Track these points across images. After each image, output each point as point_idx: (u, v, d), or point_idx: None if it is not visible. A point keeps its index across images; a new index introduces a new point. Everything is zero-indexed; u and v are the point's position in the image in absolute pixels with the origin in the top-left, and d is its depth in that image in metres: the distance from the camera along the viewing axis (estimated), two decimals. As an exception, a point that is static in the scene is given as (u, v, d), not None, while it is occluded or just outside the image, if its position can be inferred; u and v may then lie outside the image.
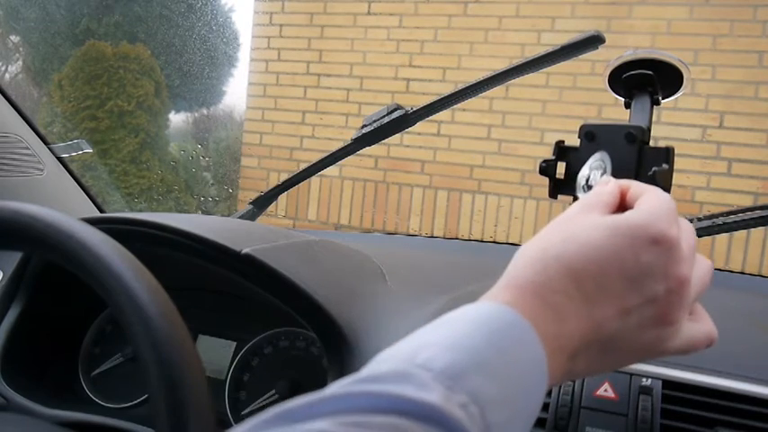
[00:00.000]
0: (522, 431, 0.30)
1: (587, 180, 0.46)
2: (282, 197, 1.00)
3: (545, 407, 0.53)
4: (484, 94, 0.79)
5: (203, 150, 5.28)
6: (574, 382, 0.53)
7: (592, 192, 0.41)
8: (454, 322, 0.31)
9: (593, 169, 0.46)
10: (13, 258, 0.73)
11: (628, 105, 0.52)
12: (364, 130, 0.84)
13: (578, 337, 0.34)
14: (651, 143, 0.47)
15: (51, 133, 4.19)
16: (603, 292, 0.34)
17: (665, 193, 0.38)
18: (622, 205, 0.38)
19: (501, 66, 0.75)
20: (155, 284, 0.43)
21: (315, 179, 3.15)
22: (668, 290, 0.35)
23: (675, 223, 0.36)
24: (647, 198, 0.37)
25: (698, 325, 0.39)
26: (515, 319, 0.31)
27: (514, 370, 0.29)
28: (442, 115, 1.43)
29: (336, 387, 0.27)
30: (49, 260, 0.70)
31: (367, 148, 0.86)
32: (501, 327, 0.30)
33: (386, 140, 0.84)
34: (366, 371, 0.28)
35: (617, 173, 0.45)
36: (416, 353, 0.29)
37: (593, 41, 0.67)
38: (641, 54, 0.52)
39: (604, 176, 0.45)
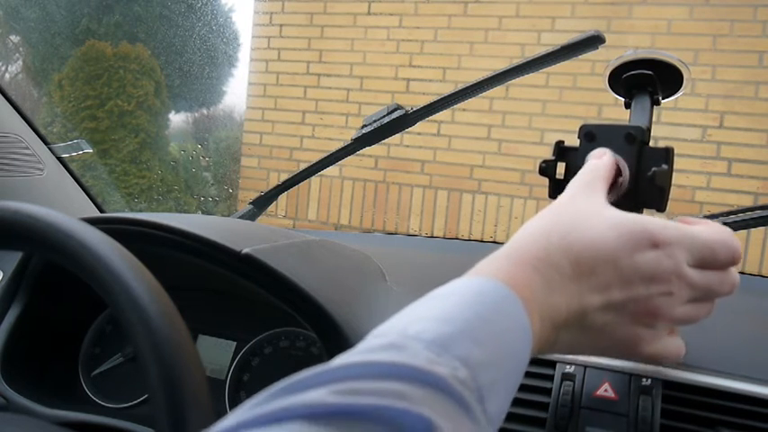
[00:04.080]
0: (509, 389, 0.32)
1: None
2: (282, 197, 1.00)
3: (545, 407, 0.52)
4: (484, 94, 0.79)
5: (203, 150, 5.28)
6: (574, 382, 0.53)
7: (587, 167, 0.42)
8: (443, 297, 0.33)
9: None
10: (13, 258, 0.73)
11: (628, 105, 0.52)
12: (364, 130, 0.84)
13: (565, 311, 0.36)
14: (651, 143, 0.47)
15: (51, 133, 4.19)
16: (595, 278, 0.36)
17: (721, 228, 0.40)
18: None
19: (501, 66, 0.75)
20: (155, 284, 0.43)
21: (315, 179, 3.15)
22: (651, 293, 0.37)
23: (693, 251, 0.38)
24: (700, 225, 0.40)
25: (673, 339, 0.41)
26: (500, 288, 0.33)
27: (500, 335, 0.31)
28: (442, 115, 1.44)
29: (333, 361, 0.28)
30: (48, 260, 0.70)
31: (367, 148, 0.86)
32: (486, 298, 0.32)
33: (386, 140, 0.84)
34: (361, 345, 0.30)
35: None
36: (408, 327, 0.30)
37: (593, 41, 0.67)
38: (641, 54, 0.52)
39: (599, 149, 0.45)
